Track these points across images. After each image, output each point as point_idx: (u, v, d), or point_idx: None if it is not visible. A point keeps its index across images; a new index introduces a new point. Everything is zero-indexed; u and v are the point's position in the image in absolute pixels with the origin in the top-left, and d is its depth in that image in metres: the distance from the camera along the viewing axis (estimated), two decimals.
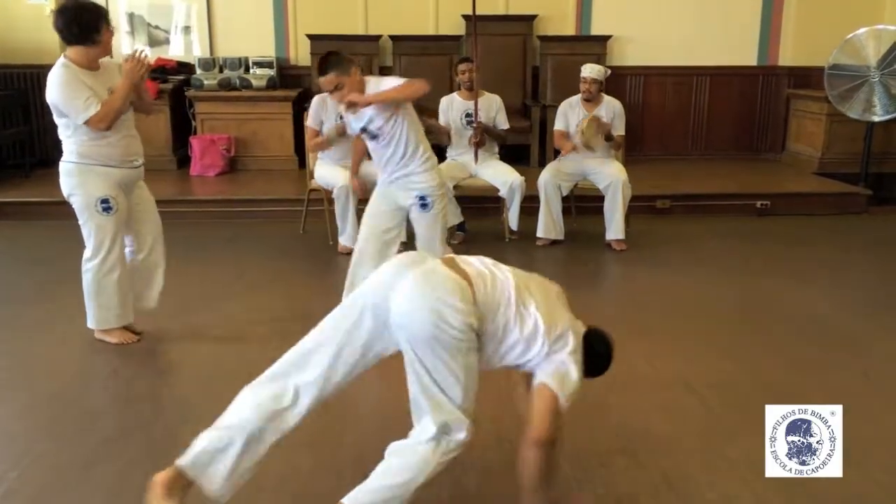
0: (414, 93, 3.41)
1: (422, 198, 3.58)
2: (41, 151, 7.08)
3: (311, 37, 7.11)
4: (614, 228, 5.13)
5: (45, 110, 6.88)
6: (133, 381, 3.33)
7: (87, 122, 3.29)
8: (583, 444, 2.69)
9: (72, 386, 3.23)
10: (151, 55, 6.56)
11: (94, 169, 3.40)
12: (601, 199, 5.18)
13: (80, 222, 3.49)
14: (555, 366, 2.13)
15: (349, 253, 5.05)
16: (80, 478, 2.52)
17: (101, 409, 3.05)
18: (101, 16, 3.32)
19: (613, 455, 2.66)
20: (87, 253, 3.51)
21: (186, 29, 7.30)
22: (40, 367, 3.42)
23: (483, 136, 5.19)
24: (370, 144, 3.62)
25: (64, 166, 3.44)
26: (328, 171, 5.10)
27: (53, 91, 3.29)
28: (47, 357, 3.53)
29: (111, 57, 3.54)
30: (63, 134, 3.41)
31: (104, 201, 3.42)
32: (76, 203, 3.45)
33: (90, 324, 3.60)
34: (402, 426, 2.85)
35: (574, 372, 2.13)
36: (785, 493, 2.40)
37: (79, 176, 3.40)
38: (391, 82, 3.42)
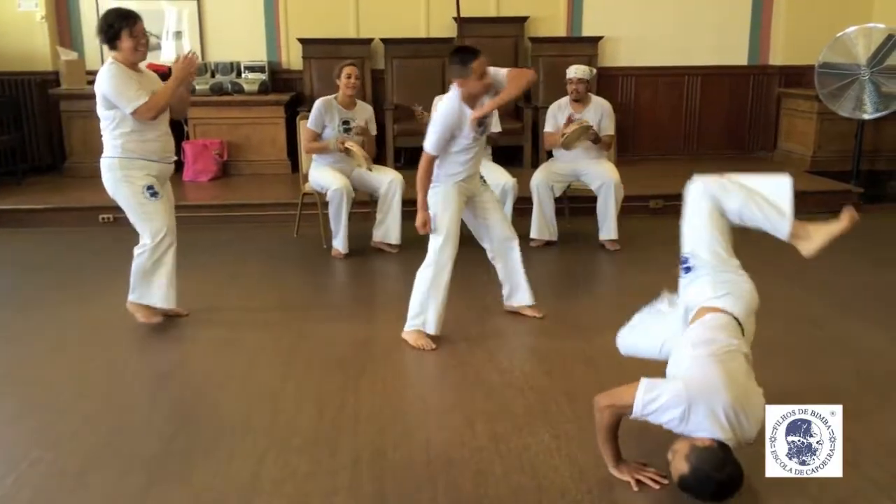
0: (528, 83, 3.53)
1: (485, 180, 3.86)
2: (33, 158, 7.07)
3: (302, 41, 7.12)
4: (607, 229, 5.14)
5: (36, 117, 7.02)
6: (128, 386, 3.32)
7: (135, 111, 3.48)
8: (580, 445, 2.70)
9: (66, 391, 3.22)
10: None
11: (135, 162, 3.60)
12: (594, 199, 5.19)
13: (132, 219, 3.66)
14: (659, 382, 2.31)
15: (343, 257, 5.08)
16: (76, 483, 2.52)
17: (96, 414, 3.04)
18: (121, 24, 3.54)
19: None
20: (143, 240, 3.66)
21: (178, 34, 7.28)
22: (34, 374, 3.41)
23: None
24: (468, 143, 3.57)
25: (106, 162, 3.60)
26: (322, 174, 5.08)
27: (104, 83, 3.49)
28: (41, 363, 3.52)
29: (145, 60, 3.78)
30: (106, 129, 3.58)
31: (150, 187, 3.63)
32: (123, 196, 3.62)
33: (153, 301, 3.74)
34: (397, 430, 2.87)
35: (665, 399, 2.23)
36: (785, 493, 2.41)
37: (121, 169, 3.58)
38: (502, 73, 3.47)
